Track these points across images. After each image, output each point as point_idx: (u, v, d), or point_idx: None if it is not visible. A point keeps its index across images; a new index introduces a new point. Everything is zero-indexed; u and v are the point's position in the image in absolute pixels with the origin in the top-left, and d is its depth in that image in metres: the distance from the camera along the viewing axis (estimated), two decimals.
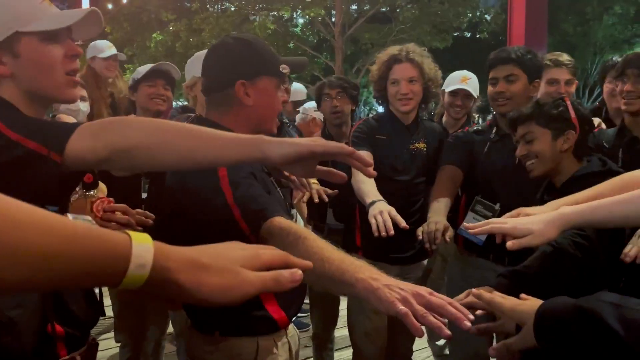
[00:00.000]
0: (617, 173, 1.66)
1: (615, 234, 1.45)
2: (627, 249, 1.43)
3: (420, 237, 1.89)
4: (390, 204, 1.87)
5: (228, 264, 0.66)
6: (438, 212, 2.02)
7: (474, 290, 1.16)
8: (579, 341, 0.87)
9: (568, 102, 1.82)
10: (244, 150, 1.00)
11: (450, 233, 1.90)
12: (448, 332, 0.89)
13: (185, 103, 2.97)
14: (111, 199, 1.54)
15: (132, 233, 0.58)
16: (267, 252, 0.71)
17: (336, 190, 2.06)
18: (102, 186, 1.71)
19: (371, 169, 1.06)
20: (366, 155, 1.72)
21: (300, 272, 0.70)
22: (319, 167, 1.07)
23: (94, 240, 0.56)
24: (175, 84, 2.64)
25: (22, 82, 1.09)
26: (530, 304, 1.01)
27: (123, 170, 2.09)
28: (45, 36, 1.09)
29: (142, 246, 0.58)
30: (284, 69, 1.40)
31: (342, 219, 2.70)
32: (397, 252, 2.35)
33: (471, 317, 0.92)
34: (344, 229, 2.62)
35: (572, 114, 1.80)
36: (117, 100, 3.63)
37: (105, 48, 3.60)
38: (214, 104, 1.44)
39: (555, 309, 0.93)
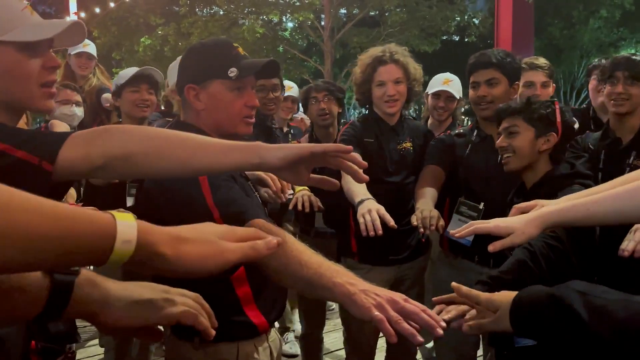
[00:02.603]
0: (585, 175, 1.77)
1: (585, 235, 1.52)
2: (623, 245, 1.49)
3: (415, 224, 1.90)
4: (383, 206, 1.85)
5: (207, 236, 0.71)
6: (426, 202, 2.04)
7: (453, 283, 1.21)
8: (551, 327, 0.94)
9: (557, 107, 1.87)
10: (241, 156, 1.00)
11: (441, 222, 1.92)
12: (421, 339, 0.92)
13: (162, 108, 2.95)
14: (78, 205, 1.52)
15: (115, 212, 0.62)
16: (241, 228, 0.77)
17: (323, 209, 2.12)
18: (71, 192, 1.68)
19: (363, 173, 1.05)
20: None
21: (275, 240, 0.75)
22: (312, 175, 1.07)
23: (80, 220, 0.58)
24: (159, 87, 2.60)
25: None
26: (505, 293, 1.09)
27: (116, 178, 2.05)
28: (23, 46, 1.04)
29: (126, 223, 0.61)
30: (232, 72, 1.37)
31: (332, 224, 2.69)
32: (393, 254, 2.35)
33: (443, 324, 0.95)
34: (338, 235, 2.60)
35: (558, 118, 1.84)
36: (84, 93, 3.49)
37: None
38: (183, 107, 1.48)
39: (531, 296, 1.00)
